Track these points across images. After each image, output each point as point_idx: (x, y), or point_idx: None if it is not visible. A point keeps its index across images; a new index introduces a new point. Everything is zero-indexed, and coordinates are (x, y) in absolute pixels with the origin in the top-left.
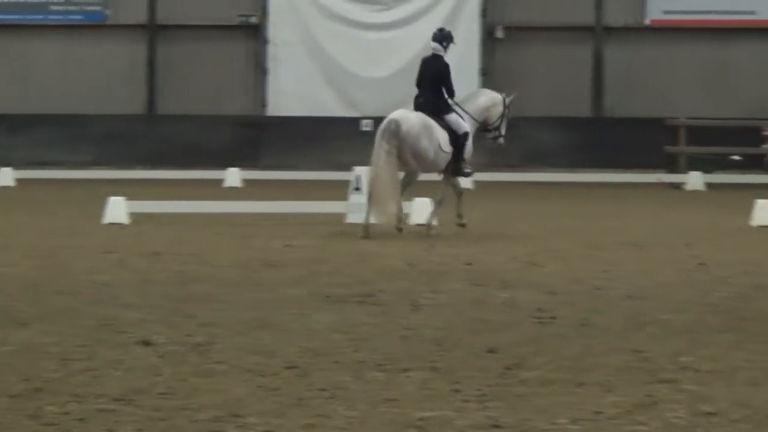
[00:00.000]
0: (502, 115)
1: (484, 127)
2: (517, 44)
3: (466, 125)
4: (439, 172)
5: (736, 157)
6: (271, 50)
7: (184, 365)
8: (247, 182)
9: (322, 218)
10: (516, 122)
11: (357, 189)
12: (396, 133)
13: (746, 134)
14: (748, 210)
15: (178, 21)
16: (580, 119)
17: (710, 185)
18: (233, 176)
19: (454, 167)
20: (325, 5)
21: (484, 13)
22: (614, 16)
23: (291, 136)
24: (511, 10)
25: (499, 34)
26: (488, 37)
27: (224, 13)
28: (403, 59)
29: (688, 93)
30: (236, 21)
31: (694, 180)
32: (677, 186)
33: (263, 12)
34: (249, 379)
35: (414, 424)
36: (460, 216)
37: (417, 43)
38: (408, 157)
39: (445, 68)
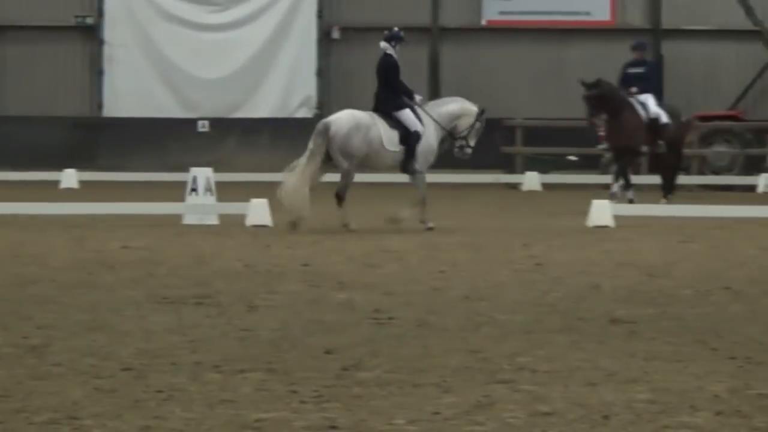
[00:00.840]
0: (472, 127)
1: (451, 135)
2: (354, 45)
3: (418, 125)
4: (402, 171)
5: (573, 158)
6: (107, 51)
7: (20, 367)
8: (84, 184)
9: (159, 219)
10: None
11: (194, 190)
12: (323, 133)
13: (583, 134)
14: (584, 210)
15: (14, 21)
16: None
17: (547, 186)
18: (69, 178)
19: (403, 165)
20: (160, 6)
21: (321, 14)
22: (451, 17)
23: (128, 138)
24: (347, 11)
25: (335, 34)
26: (324, 38)
27: (60, 14)
28: (240, 60)
29: (525, 93)
30: (72, 22)
31: (531, 180)
32: (514, 186)
33: (99, 13)
34: (85, 381)
35: (251, 425)
36: (422, 222)
37: (253, 44)
38: (338, 157)
39: (391, 66)
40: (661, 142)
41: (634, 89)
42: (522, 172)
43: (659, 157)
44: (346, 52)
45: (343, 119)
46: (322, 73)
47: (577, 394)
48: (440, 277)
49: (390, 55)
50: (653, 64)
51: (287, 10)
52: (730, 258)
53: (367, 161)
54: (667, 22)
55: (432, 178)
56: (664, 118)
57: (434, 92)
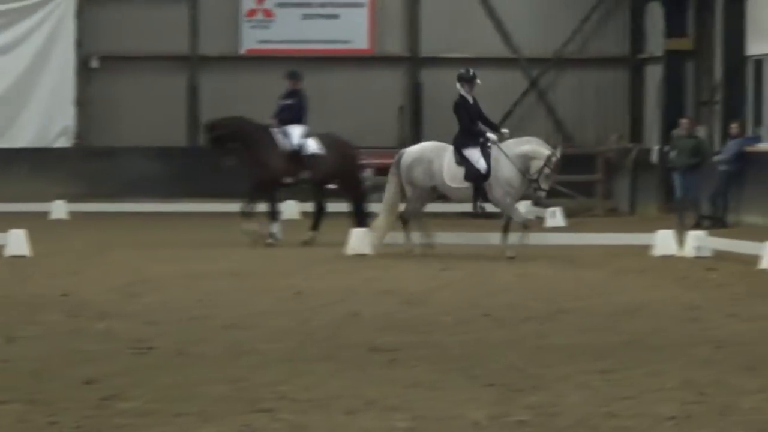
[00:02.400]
0: (540, 170)
1: (529, 176)
2: (113, 74)
3: (482, 163)
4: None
5: (333, 186)
6: None
7: None
8: None
9: None
10: (113, 152)
11: None
12: (396, 162)
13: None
14: (343, 238)
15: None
16: (176, 149)
17: (307, 214)
18: None
19: (473, 202)
20: None
21: (80, 43)
22: (210, 46)
23: None
24: (106, 40)
25: (94, 64)
26: (83, 68)
27: None
28: None
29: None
30: None
31: (290, 209)
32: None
33: None
34: None
35: None
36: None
37: (10, 74)
38: (404, 185)
39: (458, 106)
40: (306, 173)
41: (272, 120)
42: (282, 200)
43: (343, 188)
44: (107, 82)
45: (411, 151)
46: (81, 102)
47: (338, 423)
48: (200, 305)
49: (460, 95)
50: (304, 94)
51: (45, 40)
52: (490, 285)
53: (440, 192)
54: (426, 50)
55: (191, 207)
56: (313, 148)
57: (193, 122)
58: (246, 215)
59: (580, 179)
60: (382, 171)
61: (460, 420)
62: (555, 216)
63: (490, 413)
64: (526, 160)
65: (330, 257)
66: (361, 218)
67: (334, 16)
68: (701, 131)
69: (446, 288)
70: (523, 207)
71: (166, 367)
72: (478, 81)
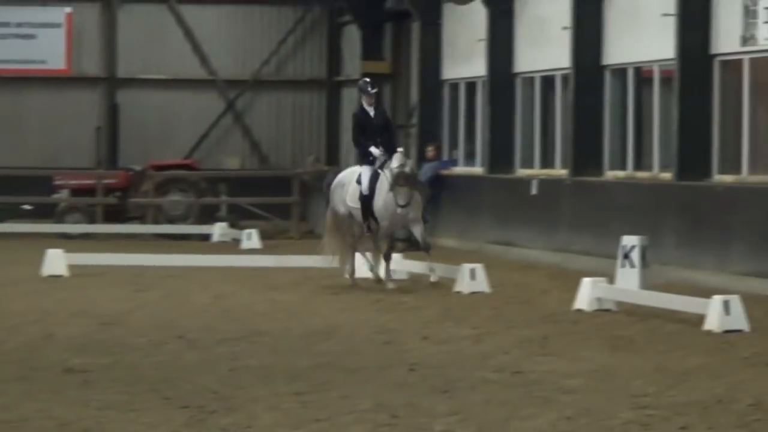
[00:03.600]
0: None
1: None
2: None
3: (365, 183)
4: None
5: (28, 207)
6: None
7: None
8: None
9: None
10: None
11: None
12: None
13: (38, 183)
14: (39, 259)
15: None
16: None
17: (2, 235)
18: None
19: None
20: None
21: None
22: None
23: None
24: None
25: None
26: None
27: None
28: None
29: None
30: None
31: None
32: None
33: None
34: None
35: None
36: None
37: None
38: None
39: (352, 117)
40: None
41: None
42: None
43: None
44: None
45: (338, 176)
46: None
47: None
48: None
49: (359, 107)
50: None
51: None
52: (185, 307)
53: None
54: (123, 71)
55: None
56: None
57: None
58: None
59: (276, 201)
60: (78, 191)
61: None
62: (251, 238)
63: None
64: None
65: (25, 278)
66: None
67: (31, 36)
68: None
69: (141, 309)
70: (219, 229)
71: None
72: (374, 90)
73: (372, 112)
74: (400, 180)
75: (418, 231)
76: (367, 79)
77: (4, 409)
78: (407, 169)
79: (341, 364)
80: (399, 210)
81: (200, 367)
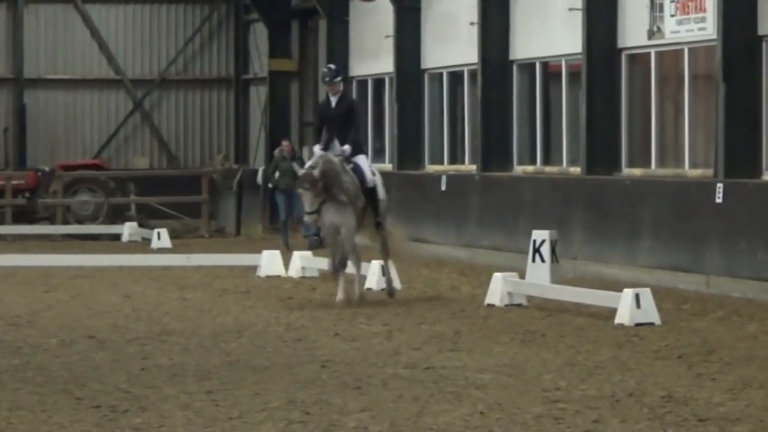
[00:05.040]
0: None
1: None
2: None
3: None
4: None
5: None
6: None
7: None
8: None
9: None
10: None
11: None
12: None
13: None
14: None
15: None
16: None
17: None
18: None
19: None
20: None
21: None
22: None
23: None
24: None
25: None
26: None
27: None
28: None
29: None
30: None
31: None
32: None
33: None
34: None
35: None
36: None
37: None
38: None
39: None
40: None
41: None
42: None
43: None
44: None
45: None
46: None
47: None
48: None
49: (326, 97)
50: None
51: None
52: (94, 307)
53: None
54: (30, 71)
55: None
56: None
57: None
58: None
59: (186, 200)
60: None
61: None
62: (160, 237)
63: None
64: None
65: None
66: None
67: None
68: (304, 153)
69: (50, 310)
70: (128, 228)
71: None
72: (336, 79)
73: (334, 103)
74: (303, 183)
75: (347, 244)
76: (331, 66)
77: None
78: (316, 171)
79: (252, 362)
80: (305, 218)
81: (111, 366)
